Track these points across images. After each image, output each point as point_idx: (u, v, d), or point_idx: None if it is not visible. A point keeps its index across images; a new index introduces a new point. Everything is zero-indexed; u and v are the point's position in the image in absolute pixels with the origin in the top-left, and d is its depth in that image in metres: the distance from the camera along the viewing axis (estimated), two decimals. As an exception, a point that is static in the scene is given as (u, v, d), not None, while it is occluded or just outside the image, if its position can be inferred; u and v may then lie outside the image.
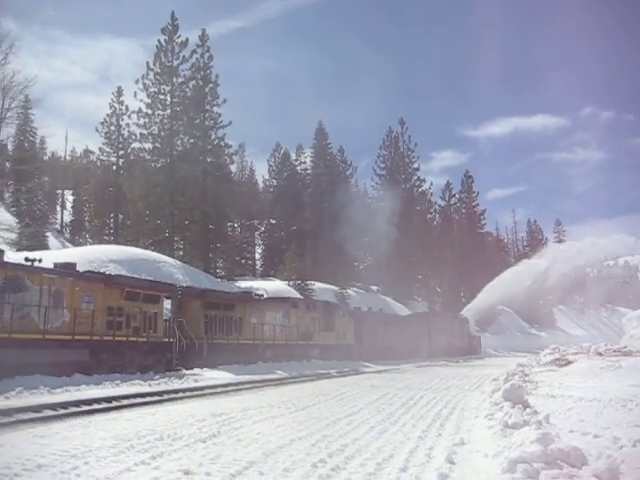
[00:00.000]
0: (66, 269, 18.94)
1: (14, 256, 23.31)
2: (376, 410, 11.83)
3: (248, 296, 29.10)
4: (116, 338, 19.40)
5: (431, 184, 73.83)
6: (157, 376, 18.56)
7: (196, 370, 21.43)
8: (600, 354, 32.72)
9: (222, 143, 49.57)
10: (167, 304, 23.65)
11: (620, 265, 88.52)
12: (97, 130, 54.40)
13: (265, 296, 32.16)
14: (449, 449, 7.61)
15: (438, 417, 10.85)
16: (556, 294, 70.88)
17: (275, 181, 69.84)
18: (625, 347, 35.20)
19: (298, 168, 70.52)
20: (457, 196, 79.59)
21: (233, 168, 58.03)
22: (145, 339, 20.71)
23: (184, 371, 21.09)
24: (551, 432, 7.93)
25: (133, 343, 20.13)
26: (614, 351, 33.52)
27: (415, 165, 71.36)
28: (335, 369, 26.30)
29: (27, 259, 17.52)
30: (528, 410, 10.19)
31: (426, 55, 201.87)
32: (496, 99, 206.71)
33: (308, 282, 49.04)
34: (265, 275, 59.66)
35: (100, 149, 54.46)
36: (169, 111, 47.71)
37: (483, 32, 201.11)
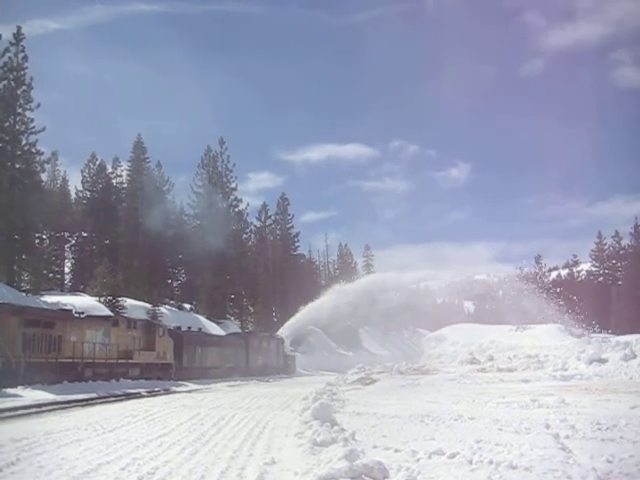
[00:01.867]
0: None
1: None
2: (187, 431, 11.68)
3: (68, 314, 28.46)
4: None
5: (248, 204, 74.26)
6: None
7: (12, 390, 20.36)
8: (401, 372, 34.94)
9: (33, 149, 46.47)
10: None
11: (421, 289, 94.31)
12: None
13: (75, 312, 30.80)
14: (260, 468, 7.73)
15: (249, 436, 10.91)
16: (362, 316, 74.14)
17: (89, 193, 66.68)
18: (424, 366, 37.86)
19: (114, 181, 68.02)
20: (273, 217, 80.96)
21: (44, 177, 54.56)
22: None
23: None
24: (357, 448, 8.36)
25: None
26: (414, 370, 35.96)
27: (233, 185, 71.69)
28: (146, 389, 25.78)
29: None
30: (336, 428, 10.61)
31: (248, 77, 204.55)
32: (313, 126, 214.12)
33: (120, 299, 47.30)
34: (75, 290, 56.54)
35: None
36: (-27, 113, 44.05)
37: (305, 61, 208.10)
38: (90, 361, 27.05)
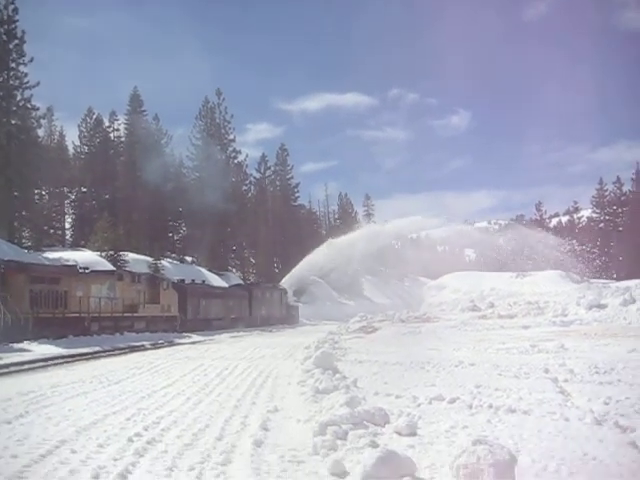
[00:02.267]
0: None
1: None
2: (191, 381, 11.85)
3: (73, 269, 28.86)
4: None
5: (247, 156, 73.83)
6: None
7: (20, 345, 20.82)
8: (403, 321, 35.23)
9: (28, 105, 45.92)
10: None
11: (422, 238, 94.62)
12: None
13: (79, 267, 31.07)
14: (263, 416, 7.88)
15: (252, 386, 11.07)
16: (364, 265, 74.42)
17: (86, 147, 66.08)
18: (425, 314, 38.14)
19: (111, 135, 67.36)
20: (272, 168, 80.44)
21: (41, 132, 54.03)
22: None
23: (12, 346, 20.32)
24: (358, 395, 8.51)
25: None
26: (415, 318, 36.25)
27: (231, 136, 71.08)
28: (151, 341, 26.00)
29: None
30: (338, 375, 10.76)
31: (244, 29, 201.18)
32: (310, 75, 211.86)
33: (121, 253, 47.40)
34: (75, 246, 56.58)
35: None
36: (-33, 66, 43.41)
37: (302, 11, 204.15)
38: (96, 315, 27.61)
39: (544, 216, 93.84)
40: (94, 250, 48.26)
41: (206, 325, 37.68)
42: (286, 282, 58.50)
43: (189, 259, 63.84)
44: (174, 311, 34.90)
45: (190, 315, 37.07)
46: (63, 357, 18.17)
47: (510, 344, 16.88)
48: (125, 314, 29.93)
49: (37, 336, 22.32)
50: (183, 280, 40.84)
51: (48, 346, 21.16)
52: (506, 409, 7.63)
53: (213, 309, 40.45)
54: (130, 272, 34.82)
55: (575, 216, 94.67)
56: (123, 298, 30.06)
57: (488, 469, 4.31)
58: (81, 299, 26.80)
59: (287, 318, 51.78)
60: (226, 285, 52.77)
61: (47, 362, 16.54)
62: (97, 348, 21.57)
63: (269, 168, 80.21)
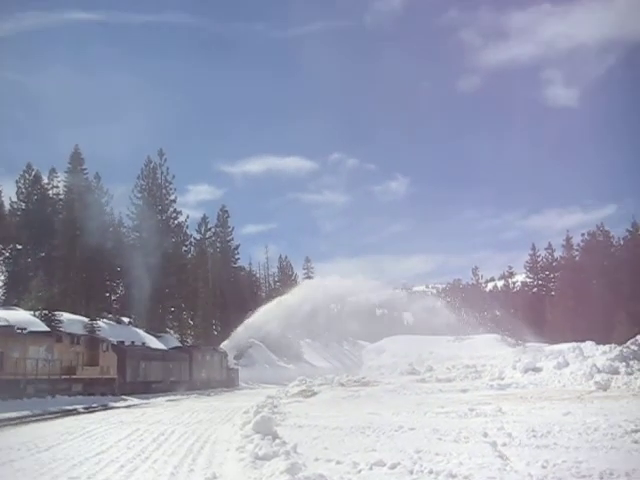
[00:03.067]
0: None
1: None
2: (126, 447, 11.52)
3: (10, 330, 28.21)
4: None
5: (187, 217, 73.44)
6: None
7: None
8: (342, 384, 35.07)
9: (-38, 160, 45.19)
10: None
11: (361, 301, 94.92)
12: None
13: (17, 328, 30.26)
14: (202, 484, 7.66)
15: (190, 452, 10.84)
16: (303, 328, 74.24)
17: (24, 204, 64.71)
18: (364, 378, 38.09)
19: (50, 192, 66.16)
20: (213, 230, 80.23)
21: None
22: None
23: None
24: (299, 461, 8.41)
25: None
26: (355, 381, 36.14)
27: (172, 197, 70.76)
28: (88, 404, 25.59)
29: None
30: (277, 441, 10.60)
31: (187, 88, 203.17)
32: (252, 138, 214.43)
33: (55, 313, 46.05)
34: (8, 304, 54.71)
35: None
36: None
37: (244, 74, 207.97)
38: (33, 377, 26.78)
39: (480, 280, 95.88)
40: (27, 309, 46.79)
41: (145, 388, 37.05)
42: (226, 345, 57.85)
43: (126, 320, 62.40)
44: (113, 373, 34.22)
45: (129, 377, 36.42)
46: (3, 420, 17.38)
47: (449, 408, 16.98)
48: (63, 376, 29.16)
49: None
50: (123, 342, 39.92)
51: None
52: (447, 474, 7.66)
53: (153, 371, 39.84)
54: (70, 334, 33.87)
55: (510, 280, 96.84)
56: (61, 360, 29.32)
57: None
58: (17, 361, 26.06)
59: (227, 381, 51.15)
60: (164, 347, 51.76)
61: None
62: (28, 412, 20.69)
63: (209, 229, 79.92)
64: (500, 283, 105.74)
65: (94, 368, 32.16)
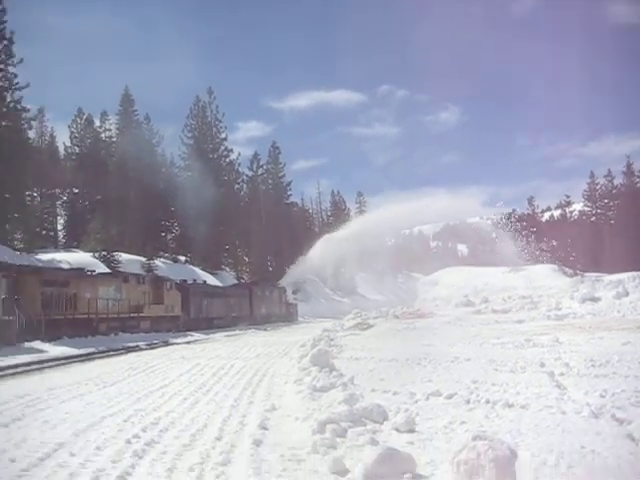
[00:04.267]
0: None
1: None
2: (187, 381, 11.87)
3: (81, 272, 30.02)
4: None
5: (239, 154, 73.80)
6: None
7: (36, 345, 21.65)
8: (397, 317, 35.19)
9: (19, 106, 45.73)
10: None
11: (414, 234, 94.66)
12: None
13: (87, 271, 31.89)
14: (261, 415, 7.88)
15: (249, 385, 11.10)
16: (357, 262, 74.43)
17: (77, 148, 65.88)
18: (419, 310, 38.12)
19: (102, 135, 67.13)
20: (264, 167, 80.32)
21: (31, 134, 53.90)
22: None
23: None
24: (356, 392, 8.53)
25: None
26: (410, 314, 36.21)
27: (223, 135, 71.02)
28: (156, 340, 27.13)
29: None
30: (334, 373, 10.78)
31: (235, 26, 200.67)
32: (300, 72, 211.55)
33: (114, 253, 47.30)
34: (68, 247, 56.41)
35: None
36: (-45, 68, 43.11)
37: (291, 8, 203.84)
38: (104, 316, 28.62)
39: (536, 210, 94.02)
40: (87, 251, 48.16)
41: (208, 324, 38.74)
42: (284, 280, 58.82)
43: (182, 259, 63.71)
44: (177, 311, 35.96)
45: (192, 314, 38.09)
46: (58, 359, 18.30)
47: (505, 338, 16.90)
48: (131, 315, 31.01)
49: (49, 336, 23.25)
50: (185, 280, 41.40)
51: (61, 347, 22.02)
52: (503, 404, 7.66)
53: (215, 308, 41.54)
54: (136, 274, 35.97)
55: (567, 210, 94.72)
56: (129, 299, 31.08)
57: (489, 464, 4.32)
58: (89, 301, 27.80)
59: (286, 316, 52.51)
60: (220, 284, 52.91)
61: (42, 364, 16.56)
62: (92, 349, 21.74)
63: (261, 166, 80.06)
64: (557, 213, 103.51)
65: (159, 306, 33.88)
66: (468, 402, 7.95)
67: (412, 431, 6.54)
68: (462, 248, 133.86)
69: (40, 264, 36.66)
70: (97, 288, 28.94)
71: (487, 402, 7.84)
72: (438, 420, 6.98)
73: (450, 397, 8.31)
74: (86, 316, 27.34)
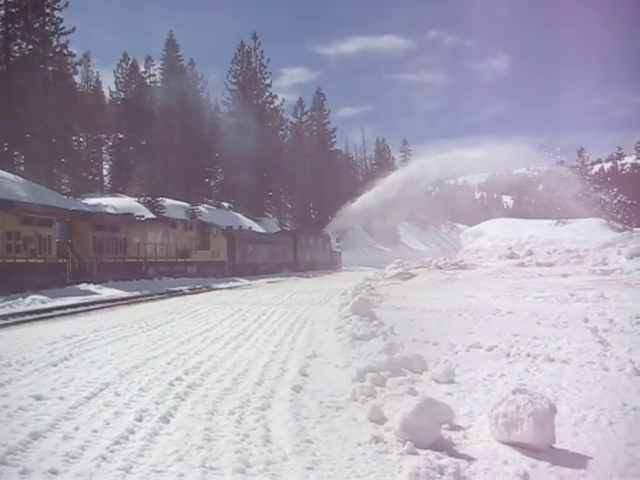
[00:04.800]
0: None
1: None
2: (229, 326, 12.04)
3: (131, 218, 30.74)
4: (16, 260, 20.84)
5: (283, 101, 73.38)
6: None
7: (87, 287, 22.79)
8: (440, 268, 35.06)
9: (65, 51, 46.12)
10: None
11: (459, 184, 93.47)
12: None
13: (136, 216, 32.73)
14: (302, 362, 7.96)
15: (290, 331, 11.20)
16: (401, 211, 74.00)
17: (123, 94, 66.31)
18: (461, 261, 37.89)
19: (147, 80, 67.40)
20: (309, 113, 79.80)
21: (77, 78, 54.57)
22: (42, 260, 22.19)
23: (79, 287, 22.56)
24: (396, 342, 8.54)
25: (31, 264, 21.49)
26: (452, 265, 36.03)
27: (267, 81, 70.65)
28: (202, 285, 27.82)
29: None
30: (375, 322, 10.82)
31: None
32: (346, 17, 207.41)
33: (158, 199, 47.96)
34: (114, 191, 57.40)
35: None
36: (3, 12, 43.40)
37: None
38: (152, 260, 29.70)
39: (586, 162, 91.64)
40: (132, 196, 48.90)
41: (253, 270, 39.64)
42: (328, 228, 59.04)
43: (225, 205, 64.24)
44: (223, 256, 36.81)
45: (238, 260, 38.95)
46: (104, 302, 18.82)
47: (548, 292, 16.70)
48: (178, 259, 32.01)
49: (101, 279, 24.44)
50: (231, 227, 41.91)
51: (110, 289, 23.03)
52: (544, 358, 7.61)
53: (260, 254, 42.42)
54: (183, 220, 36.91)
55: (618, 163, 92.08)
56: (176, 244, 32.04)
57: (528, 418, 4.31)
58: (139, 245, 28.81)
59: (330, 264, 53.15)
60: (263, 231, 53.37)
61: (88, 306, 17.09)
62: (137, 293, 22.41)
63: (305, 113, 79.62)
64: (607, 165, 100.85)
65: (206, 252, 34.76)
66: (508, 355, 7.93)
67: (451, 382, 6.55)
68: (507, 199, 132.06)
69: (86, 208, 37.37)
70: (146, 233, 29.85)
71: (528, 356, 7.80)
72: (478, 372, 6.97)
73: (490, 349, 8.28)
74: (135, 260, 28.36)
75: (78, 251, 24.51)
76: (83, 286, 22.79)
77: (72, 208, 30.73)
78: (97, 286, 23.18)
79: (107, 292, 22.18)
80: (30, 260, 21.45)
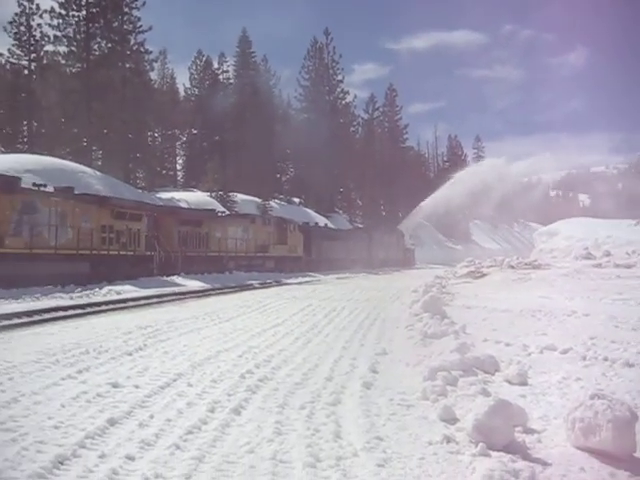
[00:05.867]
0: (66, 192, 21.51)
1: None
2: (300, 321, 12.12)
3: (213, 213, 32.10)
4: (110, 252, 22.47)
5: (355, 96, 73.47)
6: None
7: (174, 279, 24.22)
8: (512, 267, 34.31)
9: (142, 49, 47.56)
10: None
11: (533, 182, 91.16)
12: (5, 30, 49.96)
13: (218, 212, 34.06)
14: (372, 359, 7.94)
15: (360, 328, 11.19)
16: (472, 209, 72.94)
17: (197, 90, 67.66)
18: (535, 260, 36.99)
19: (220, 77, 68.51)
20: (380, 109, 79.45)
21: (153, 75, 56.05)
22: (132, 252, 23.89)
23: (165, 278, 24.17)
24: (467, 341, 8.41)
25: (123, 256, 23.22)
26: (525, 264, 35.20)
27: (339, 77, 70.74)
28: (280, 279, 28.73)
29: (35, 184, 19.52)
30: (446, 320, 10.69)
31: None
32: (418, 12, 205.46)
33: (230, 194, 48.71)
34: (186, 186, 58.66)
35: (9, 51, 49.76)
36: (84, 12, 44.96)
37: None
38: (233, 254, 30.94)
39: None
40: (204, 191, 49.80)
41: (328, 265, 40.25)
42: (402, 225, 58.86)
43: (296, 200, 64.66)
44: (299, 251, 37.91)
45: (314, 255, 39.92)
46: (176, 295, 19.29)
47: (627, 294, 16.10)
48: (257, 254, 33.15)
49: (185, 271, 25.87)
50: (307, 223, 42.86)
51: (193, 281, 24.31)
52: (623, 362, 7.34)
53: (335, 250, 43.21)
54: (262, 216, 38.48)
55: None
56: (256, 239, 33.27)
57: (606, 425, 4.17)
58: (220, 240, 30.05)
59: (404, 261, 53.26)
60: (333, 226, 53.61)
61: (162, 298, 17.53)
62: (208, 286, 23.18)
63: (377, 109, 79.31)
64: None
65: (283, 247, 35.87)
66: (584, 358, 7.69)
67: (524, 384, 6.42)
68: (584, 198, 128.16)
69: (160, 202, 38.34)
70: (227, 228, 31.08)
71: (605, 359, 7.54)
72: (552, 375, 6.79)
73: (565, 352, 8.06)
74: (217, 254, 29.64)
75: (164, 244, 25.96)
76: (169, 278, 24.17)
77: (159, 204, 32.73)
78: (181, 277, 24.59)
79: (190, 283, 23.44)
80: (122, 252, 23.03)
